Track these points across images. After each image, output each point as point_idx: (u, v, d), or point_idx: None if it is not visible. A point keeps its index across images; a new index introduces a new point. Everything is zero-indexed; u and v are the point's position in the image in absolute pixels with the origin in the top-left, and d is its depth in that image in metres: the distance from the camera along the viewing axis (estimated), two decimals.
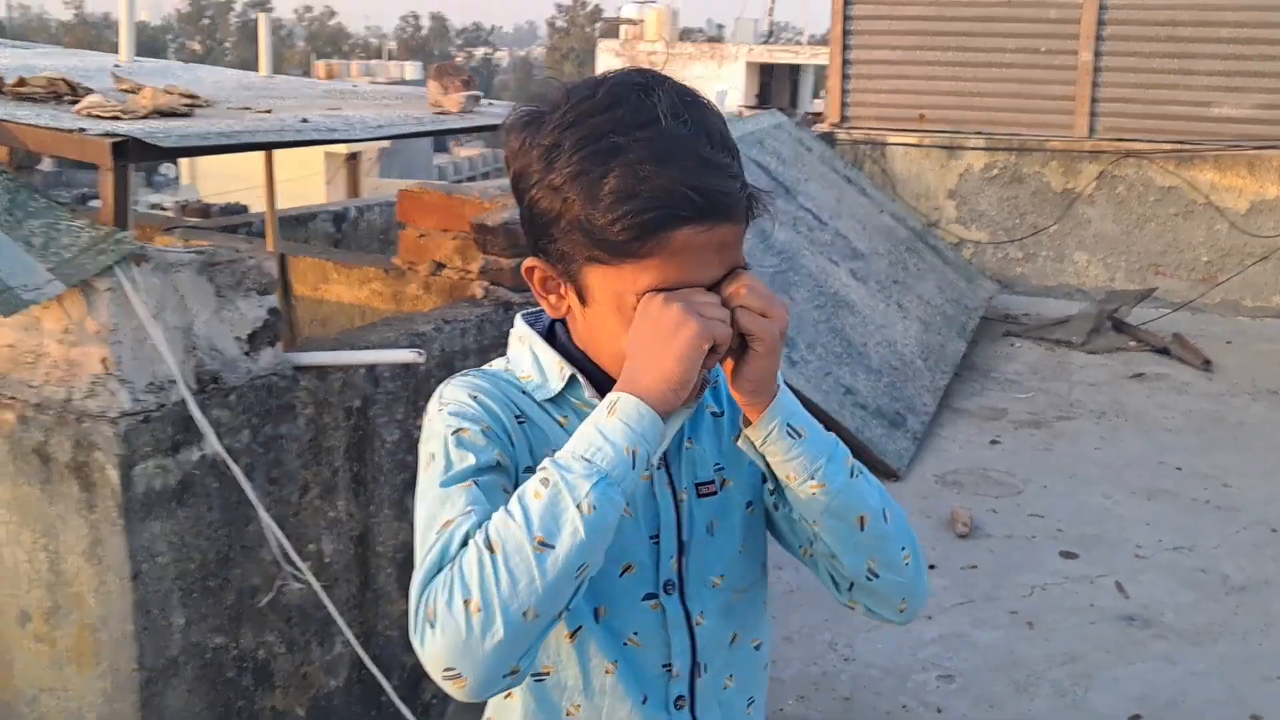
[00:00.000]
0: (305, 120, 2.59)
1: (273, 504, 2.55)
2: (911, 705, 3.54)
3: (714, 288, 1.15)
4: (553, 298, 1.23)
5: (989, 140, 8.53)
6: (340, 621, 2.54)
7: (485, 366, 1.32)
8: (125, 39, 3.68)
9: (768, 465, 1.24)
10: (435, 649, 1.05)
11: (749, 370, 1.18)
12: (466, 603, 1.03)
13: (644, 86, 1.15)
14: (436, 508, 1.13)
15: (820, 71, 26.78)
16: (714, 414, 1.34)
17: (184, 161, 29.94)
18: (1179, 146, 8.02)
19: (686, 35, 44.52)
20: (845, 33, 8.81)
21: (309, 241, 4.56)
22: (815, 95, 28.16)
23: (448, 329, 3.11)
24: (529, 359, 1.27)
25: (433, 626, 1.05)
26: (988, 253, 8.61)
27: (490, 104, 3.34)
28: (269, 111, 2.77)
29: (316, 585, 2.60)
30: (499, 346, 3.38)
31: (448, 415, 1.19)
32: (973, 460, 5.50)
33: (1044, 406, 6.28)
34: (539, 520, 1.04)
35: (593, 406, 1.21)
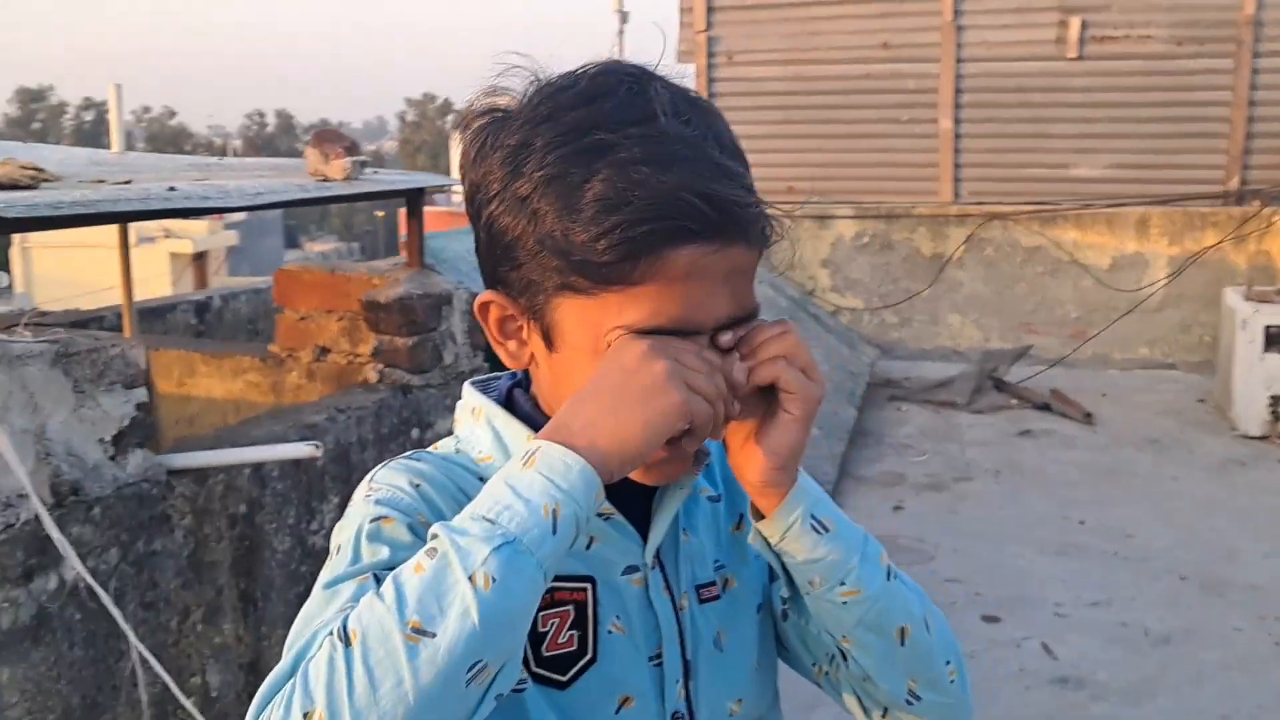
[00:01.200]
0: (173, 189, 2.28)
1: (148, 633, 2.18)
2: None
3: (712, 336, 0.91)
4: (512, 344, 0.97)
5: (858, 209, 8.61)
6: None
7: (432, 448, 1.03)
8: None
9: (783, 567, 0.99)
10: None
11: (777, 440, 0.92)
12: (307, 716, 0.74)
13: (636, 78, 0.91)
14: (315, 609, 0.84)
15: None
16: (710, 498, 1.08)
17: (16, 267, 28.44)
18: (1040, 207, 8.23)
19: None
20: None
21: (168, 334, 4.17)
22: None
23: (341, 418, 2.80)
24: (487, 436, 0.99)
25: None
26: (864, 319, 8.65)
27: (376, 172, 3.07)
28: (128, 182, 2.44)
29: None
30: (399, 435, 3.08)
31: (373, 504, 0.90)
32: (880, 528, 5.35)
33: (941, 469, 6.22)
34: (415, 600, 0.76)
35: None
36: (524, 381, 1.02)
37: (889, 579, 0.99)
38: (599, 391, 0.86)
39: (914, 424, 7.05)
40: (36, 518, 1.91)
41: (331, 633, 0.77)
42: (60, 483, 2.01)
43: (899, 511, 5.59)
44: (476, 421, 1.01)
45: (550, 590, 0.93)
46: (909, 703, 1.02)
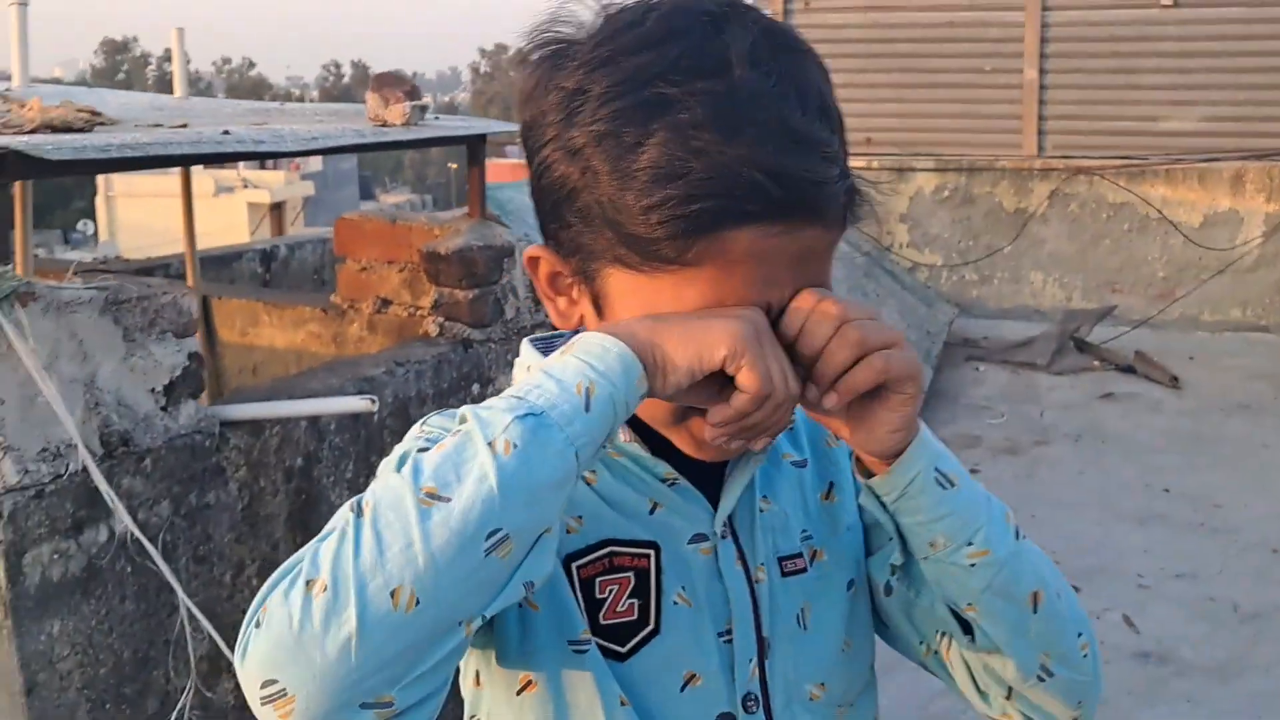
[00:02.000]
0: (227, 132, 2.21)
1: (200, 588, 2.14)
2: None
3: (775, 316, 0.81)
4: (562, 300, 0.89)
5: (938, 161, 8.34)
6: None
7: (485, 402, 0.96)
8: (17, 61, 3.27)
9: (897, 529, 0.89)
10: (255, 654, 0.68)
11: (889, 419, 0.83)
12: (310, 584, 0.68)
13: (716, 17, 0.80)
14: (334, 517, 0.76)
15: None
16: (794, 464, 0.99)
17: (101, 216, 29.07)
18: (1128, 162, 7.90)
19: None
20: None
21: (234, 283, 4.14)
22: None
23: (400, 372, 2.73)
24: None
25: (260, 627, 0.69)
26: (943, 276, 8.41)
27: (437, 118, 2.98)
28: (184, 126, 2.38)
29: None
30: (459, 390, 3.01)
31: (423, 440, 0.83)
32: None
33: (1019, 432, 6.03)
34: (431, 469, 0.71)
35: (631, 455, 0.88)
36: None
37: (1018, 539, 0.91)
38: (660, 315, 0.79)
39: (991, 385, 6.85)
40: (85, 469, 1.86)
41: (344, 509, 0.73)
42: (110, 433, 1.97)
43: (974, 474, 5.35)
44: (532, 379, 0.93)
45: (609, 554, 0.88)
46: (1040, 679, 0.92)
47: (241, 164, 26.11)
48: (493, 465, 0.70)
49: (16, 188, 3.31)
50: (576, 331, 0.92)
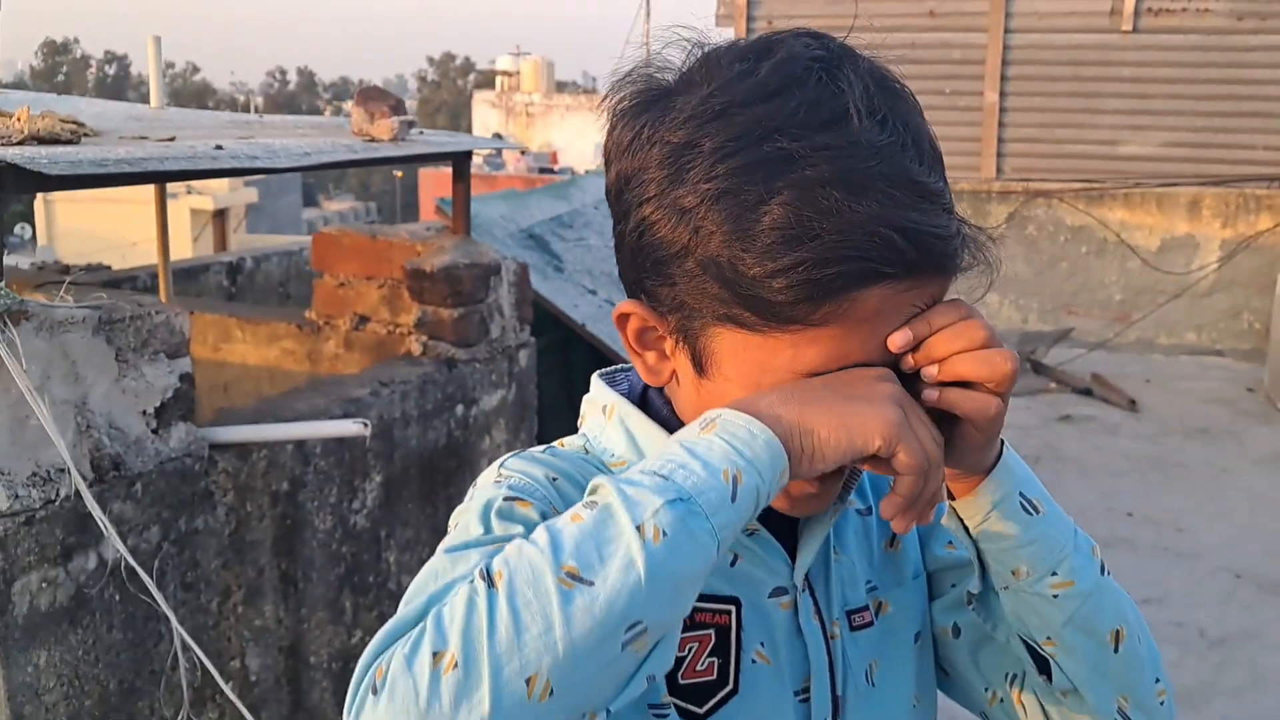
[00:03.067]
0: (220, 147, 2.14)
1: (188, 615, 2.07)
2: None
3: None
4: (651, 355, 0.84)
5: None
6: None
7: (557, 443, 0.91)
8: None
9: (979, 556, 0.86)
10: None
11: (963, 446, 0.80)
12: (437, 656, 0.63)
13: (826, 63, 0.76)
14: (440, 567, 0.72)
15: None
16: (859, 511, 0.96)
17: (40, 220, 28.39)
18: (1088, 185, 8.02)
19: (561, 88, 44.47)
20: None
21: (201, 296, 4.04)
22: None
23: (385, 393, 2.67)
24: (621, 437, 0.87)
25: (377, 694, 0.64)
26: None
27: (422, 132, 2.93)
28: (173, 139, 2.31)
29: (243, 709, 2.12)
30: (443, 412, 2.94)
31: (505, 487, 0.79)
32: None
33: None
34: (573, 545, 0.66)
35: None
36: None
37: (1103, 574, 0.87)
38: (794, 388, 0.75)
39: None
40: (76, 493, 1.79)
41: (472, 578, 0.66)
42: (101, 456, 1.89)
43: None
44: (608, 420, 0.89)
45: (691, 610, 0.84)
46: None
47: None
48: (641, 553, 0.65)
49: None
50: (645, 390, 0.89)
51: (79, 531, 1.83)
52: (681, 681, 0.83)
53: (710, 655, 0.84)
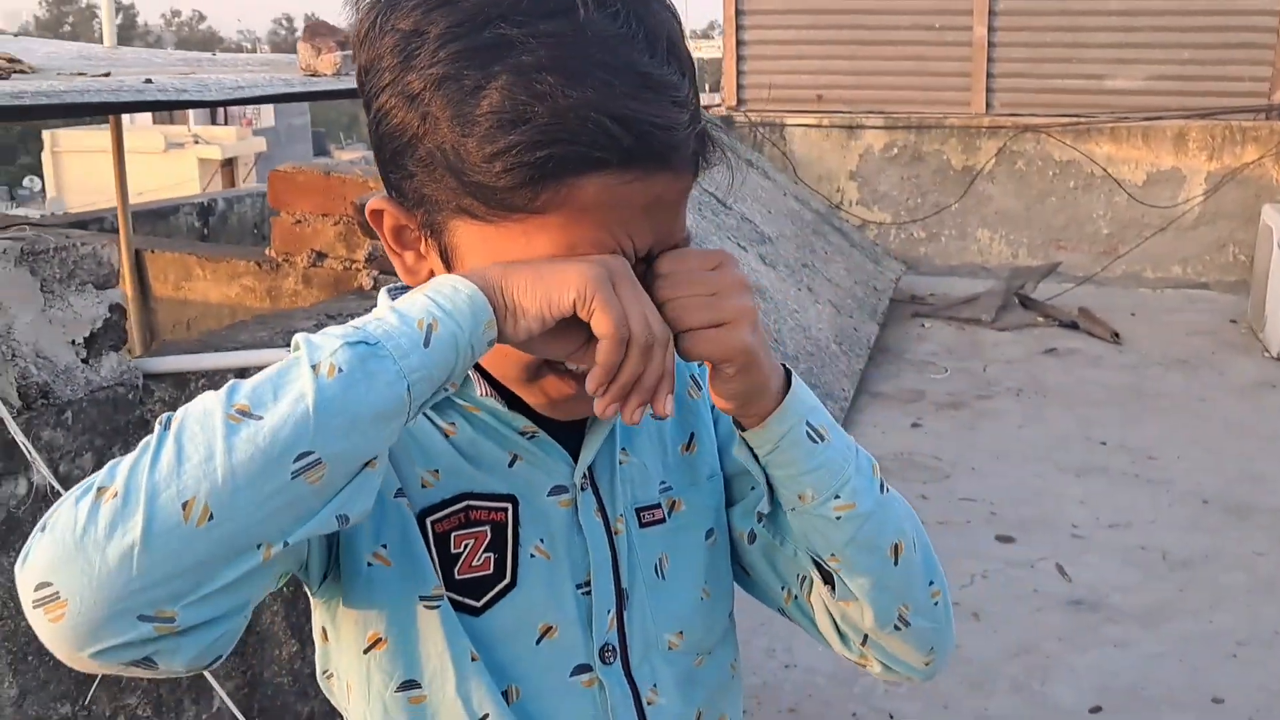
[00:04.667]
0: (149, 81, 2.17)
1: None
2: (861, 712, 3.26)
3: (641, 264, 0.80)
4: (409, 255, 0.85)
5: (888, 119, 8.37)
6: (210, 677, 2.13)
7: None
8: None
9: (767, 480, 0.89)
10: (34, 558, 0.65)
11: (724, 389, 0.83)
12: (101, 491, 0.66)
13: None
14: None
15: (704, 65, 26.64)
16: (654, 416, 0.99)
17: (48, 172, 28.41)
18: (1075, 120, 7.96)
19: None
20: (738, 12, 8.55)
21: (171, 237, 4.09)
22: (701, 89, 28.00)
23: (331, 325, 2.71)
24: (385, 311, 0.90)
25: (44, 531, 0.66)
26: (891, 233, 8.46)
27: None
28: (107, 75, 2.34)
29: None
30: None
31: None
32: (897, 445, 5.27)
33: (962, 386, 6.11)
34: (250, 388, 0.68)
35: (488, 408, 0.87)
36: None
37: (882, 492, 0.91)
38: (513, 263, 0.77)
39: (937, 341, 6.92)
40: (0, 420, 1.84)
41: (157, 424, 0.69)
42: (28, 385, 1.94)
43: (917, 429, 5.50)
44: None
45: (466, 509, 0.87)
46: (897, 628, 0.93)
47: (192, 119, 25.60)
48: (312, 385, 0.67)
49: None
50: None
51: (6, 458, 1.89)
52: (458, 577, 0.86)
53: (487, 551, 0.87)
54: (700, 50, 25.17)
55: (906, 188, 8.42)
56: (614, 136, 0.73)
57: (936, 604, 0.95)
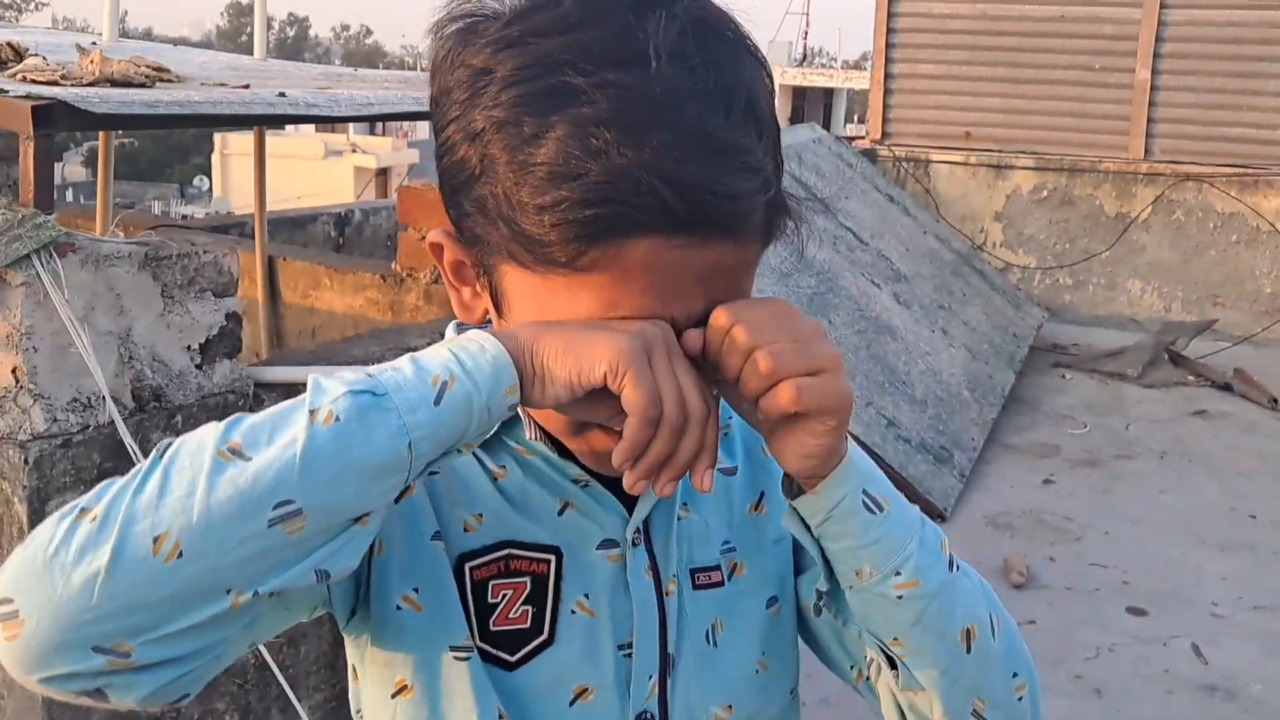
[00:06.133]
0: (282, 95, 2.21)
1: None
2: None
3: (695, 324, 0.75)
4: (466, 291, 0.82)
5: (1039, 160, 8.09)
6: (286, 687, 2.13)
7: None
8: (107, 17, 3.33)
9: (823, 554, 0.81)
10: (5, 569, 0.64)
11: (814, 445, 0.76)
12: (84, 511, 0.64)
13: (642, 3, 0.72)
14: None
15: (854, 96, 26.38)
16: (724, 471, 0.92)
17: (217, 174, 29.90)
18: (1241, 171, 7.56)
19: None
20: (888, 45, 8.40)
21: (307, 246, 4.18)
22: (848, 120, 27.78)
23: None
24: None
25: (23, 545, 0.65)
26: (1035, 278, 8.16)
27: None
28: (245, 87, 2.38)
29: (262, 648, 2.20)
30: None
31: None
32: (1026, 501, 5.05)
33: (1100, 444, 5.82)
34: (247, 427, 0.66)
35: (540, 454, 0.82)
36: None
37: (951, 570, 0.82)
38: (557, 320, 0.73)
39: (1077, 394, 6.62)
40: (113, 422, 1.88)
41: (155, 450, 0.68)
42: (142, 388, 1.98)
43: (1048, 485, 5.25)
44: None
45: (507, 557, 0.83)
46: None
47: (352, 129, 26.60)
48: (305, 434, 0.64)
49: (100, 140, 3.37)
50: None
51: (116, 458, 1.92)
52: (493, 628, 0.82)
53: (525, 603, 0.83)
54: (850, 82, 24.93)
55: (1054, 232, 8.12)
56: (665, 201, 0.69)
57: (1020, 699, 0.86)
